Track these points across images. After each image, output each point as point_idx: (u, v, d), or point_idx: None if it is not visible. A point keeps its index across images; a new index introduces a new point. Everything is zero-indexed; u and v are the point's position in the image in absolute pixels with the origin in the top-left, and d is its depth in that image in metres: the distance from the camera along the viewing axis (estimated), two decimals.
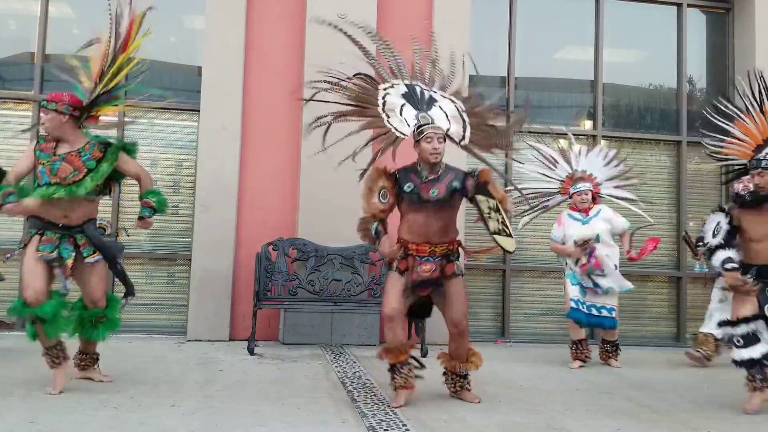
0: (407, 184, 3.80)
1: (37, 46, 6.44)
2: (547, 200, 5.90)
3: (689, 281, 7.29)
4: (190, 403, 3.67)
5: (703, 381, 5.10)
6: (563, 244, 5.49)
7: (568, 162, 5.80)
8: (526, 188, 5.89)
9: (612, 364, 5.53)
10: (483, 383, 4.61)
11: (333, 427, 3.34)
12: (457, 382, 4.02)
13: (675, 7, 7.55)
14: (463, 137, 3.88)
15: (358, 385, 4.32)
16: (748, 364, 3.93)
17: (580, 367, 5.40)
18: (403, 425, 3.38)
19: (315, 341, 6.05)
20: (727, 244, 4.00)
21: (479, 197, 3.66)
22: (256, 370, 4.82)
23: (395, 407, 3.70)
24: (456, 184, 3.79)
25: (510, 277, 7.01)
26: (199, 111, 6.39)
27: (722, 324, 4.16)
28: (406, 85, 4.00)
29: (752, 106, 4.21)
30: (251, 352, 5.44)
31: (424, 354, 5.66)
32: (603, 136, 7.08)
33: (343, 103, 3.95)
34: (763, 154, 4.02)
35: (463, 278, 3.95)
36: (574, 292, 5.42)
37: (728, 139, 4.38)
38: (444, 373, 4.09)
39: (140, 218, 4.09)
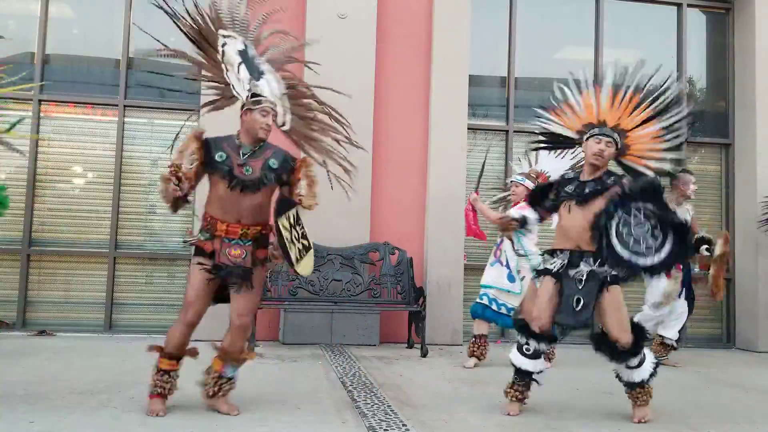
0: (219, 153, 3.42)
1: (37, 46, 6.45)
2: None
3: None
4: (190, 403, 3.67)
5: (703, 381, 5.11)
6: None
7: (529, 160, 5.69)
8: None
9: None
10: (483, 383, 4.62)
11: (333, 427, 3.34)
12: (220, 383, 3.51)
13: (675, 7, 7.55)
14: (284, 122, 3.63)
15: (358, 385, 4.32)
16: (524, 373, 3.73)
17: (475, 365, 5.23)
18: (403, 425, 3.38)
19: (315, 341, 6.05)
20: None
21: (281, 218, 3.27)
22: (256, 370, 4.82)
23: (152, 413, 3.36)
24: (273, 162, 3.48)
25: None
26: (199, 111, 6.37)
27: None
28: (243, 43, 3.62)
29: (604, 86, 4.00)
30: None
31: (424, 354, 5.67)
32: None
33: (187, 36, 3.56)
34: (597, 129, 3.73)
35: (265, 268, 3.57)
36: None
37: (565, 104, 4.10)
38: (206, 371, 3.57)
39: None
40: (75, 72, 6.64)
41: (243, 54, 3.59)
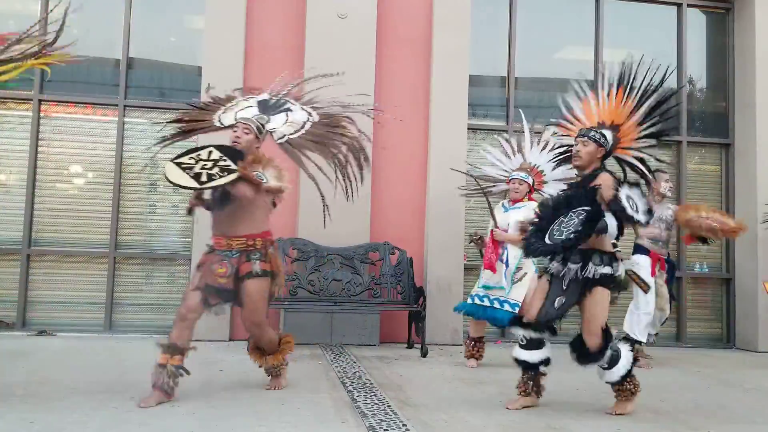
0: None
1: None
2: (493, 186, 5.71)
3: (688, 281, 7.33)
4: (190, 403, 3.67)
5: (704, 381, 5.11)
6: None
7: (522, 154, 5.60)
8: (482, 174, 5.83)
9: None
10: (483, 383, 4.62)
11: (333, 427, 3.34)
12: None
13: (675, 7, 7.55)
14: (284, 136, 3.95)
15: (358, 385, 4.33)
16: (524, 365, 3.92)
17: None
18: (403, 425, 3.38)
19: (315, 341, 6.05)
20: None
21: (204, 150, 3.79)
22: (256, 370, 4.81)
23: (143, 406, 3.49)
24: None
25: None
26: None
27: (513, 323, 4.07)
28: (264, 99, 4.22)
29: (603, 89, 4.09)
30: None
31: (424, 354, 5.67)
32: None
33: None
34: (593, 129, 3.85)
35: (260, 280, 3.79)
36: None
37: (569, 116, 4.13)
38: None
39: None
40: (75, 72, 6.64)
41: (261, 103, 4.19)
